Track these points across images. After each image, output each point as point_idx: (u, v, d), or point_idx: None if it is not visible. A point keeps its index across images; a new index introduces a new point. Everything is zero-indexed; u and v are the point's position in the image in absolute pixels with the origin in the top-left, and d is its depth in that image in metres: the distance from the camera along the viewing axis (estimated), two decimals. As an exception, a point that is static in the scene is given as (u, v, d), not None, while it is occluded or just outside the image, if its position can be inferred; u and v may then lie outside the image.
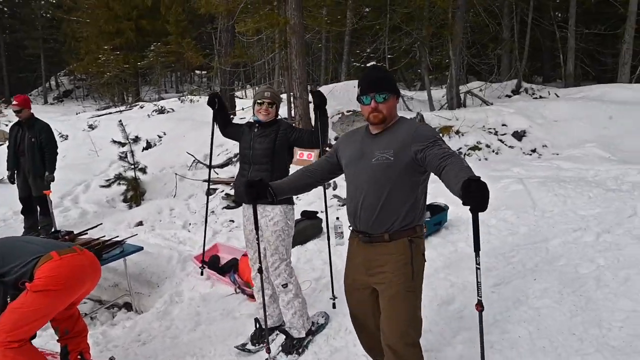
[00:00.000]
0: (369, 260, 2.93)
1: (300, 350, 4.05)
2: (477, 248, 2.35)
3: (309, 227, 6.35)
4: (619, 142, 8.56)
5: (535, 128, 9.42)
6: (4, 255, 3.31)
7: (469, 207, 2.13)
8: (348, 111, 10.69)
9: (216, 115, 4.49)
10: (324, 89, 11.67)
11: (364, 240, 2.94)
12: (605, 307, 3.91)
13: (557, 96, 13.05)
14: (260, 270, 3.61)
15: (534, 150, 8.93)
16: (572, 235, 5.09)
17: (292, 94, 10.01)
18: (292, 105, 10.15)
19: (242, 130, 4.27)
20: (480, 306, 2.47)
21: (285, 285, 4.02)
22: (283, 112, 10.33)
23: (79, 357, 3.80)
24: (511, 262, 4.76)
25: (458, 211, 6.00)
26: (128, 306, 5.50)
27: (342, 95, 13.66)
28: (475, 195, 2.07)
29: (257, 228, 3.30)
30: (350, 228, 3.09)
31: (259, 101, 4.06)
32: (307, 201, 7.61)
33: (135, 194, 9.17)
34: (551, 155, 8.47)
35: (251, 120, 4.27)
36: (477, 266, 2.40)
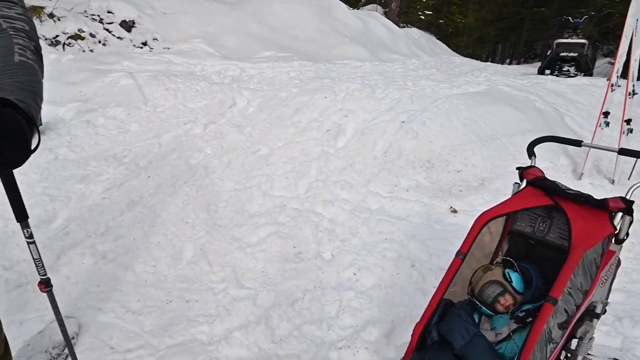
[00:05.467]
0: None
1: None
2: (20, 218, 1.75)
3: None
4: (221, 39, 9.27)
5: (145, 19, 8.89)
6: None
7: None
8: None
9: None
10: None
11: None
12: (213, 191, 4.22)
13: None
14: None
15: (145, 43, 8.48)
16: (183, 128, 5.16)
17: None
18: None
19: None
20: (45, 285, 1.98)
21: None
22: None
23: None
24: (123, 162, 4.39)
25: (57, 111, 4.99)
26: None
27: None
28: None
29: None
30: None
31: None
32: None
33: None
34: (162, 49, 8.29)
35: None
36: (29, 240, 1.82)
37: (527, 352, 1.75)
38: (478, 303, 2.12)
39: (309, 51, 10.04)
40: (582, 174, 4.83)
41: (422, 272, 3.28)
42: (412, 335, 2.11)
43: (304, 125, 5.13)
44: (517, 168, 2.36)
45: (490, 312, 2.09)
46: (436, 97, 5.71)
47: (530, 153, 2.46)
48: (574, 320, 1.91)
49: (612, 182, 4.83)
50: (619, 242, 2.00)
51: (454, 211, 4.08)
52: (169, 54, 7.86)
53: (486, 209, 2.13)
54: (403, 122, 5.14)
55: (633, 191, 1.97)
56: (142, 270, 3.24)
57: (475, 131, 5.14)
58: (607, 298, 2.12)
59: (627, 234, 1.98)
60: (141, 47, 8.30)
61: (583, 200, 2.02)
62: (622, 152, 2.19)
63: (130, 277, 3.18)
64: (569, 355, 2.12)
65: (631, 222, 1.96)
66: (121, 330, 2.75)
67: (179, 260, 3.39)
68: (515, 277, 2.10)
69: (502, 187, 4.31)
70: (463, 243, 2.18)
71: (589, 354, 2.12)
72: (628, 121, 4.87)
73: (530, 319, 2.01)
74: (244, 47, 9.12)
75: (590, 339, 2.05)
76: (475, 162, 4.74)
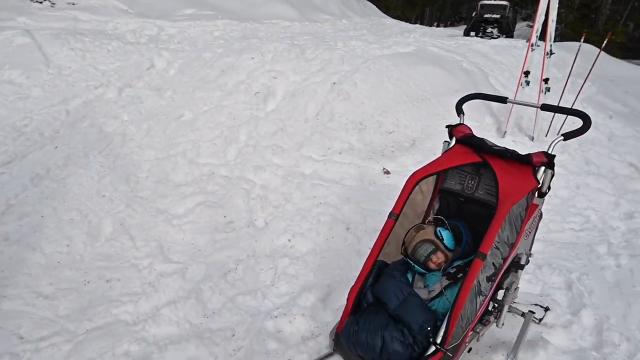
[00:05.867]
0: None
1: None
2: None
3: None
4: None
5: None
6: None
7: None
8: None
9: None
10: None
11: None
12: (132, 161, 3.88)
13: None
14: None
15: (46, -2, 7.50)
16: (94, 92, 4.66)
17: None
18: None
19: None
20: None
21: None
22: None
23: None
24: (24, 132, 3.88)
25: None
26: None
27: None
28: None
29: None
30: None
31: None
32: None
33: None
34: (66, 5, 7.39)
35: None
36: None
37: (459, 306, 1.77)
38: (411, 262, 2.12)
39: (235, 9, 9.48)
40: (505, 132, 5.05)
41: (357, 234, 3.27)
42: (347, 299, 2.08)
43: (231, 87, 4.84)
44: (447, 126, 2.35)
45: (424, 271, 2.10)
46: (367, 58, 5.62)
47: (459, 111, 2.45)
48: (501, 273, 1.96)
49: (532, 139, 5.11)
50: (542, 195, 2.05)
51: (387, 172, 4.09)
52: (74, 10, 7.03)
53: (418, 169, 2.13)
54: (334, 83, 5.02)
55: (554, 146, 2.01)
56: (54, 251, 2.92)
57: (406, 92, 5.16)
58: (530, 249, 2.20)
59: (549, 187, 2.04)
60: (40, 2, 7.34)
61: (509, 156, 2.04)
62: (544, 107, 2.23)
63: (40, 259, 2.85)
64: (496, 305, 2.20)
65: (552, 176, 2.01)
66: (31, 318, 2.47)
67: (96, 237, 3.10)
68: (446, 235, 2.11)
69: (433, 147, 4.38)
70: (395, 204, 2.14)
71: (514, 303, 2.22)
72: (546, 80, 5.11)
73: (461, 274, 2.04)
74: (163, 4, 8.39)
75: (515, 289, 2.14)
76: (406, 122, 4.77)
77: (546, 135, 5.29)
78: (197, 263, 2.92)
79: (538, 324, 2.28)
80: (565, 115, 5.32)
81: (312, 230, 3.27)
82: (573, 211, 3.95)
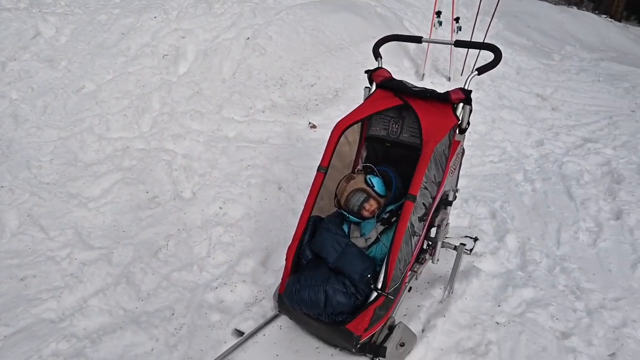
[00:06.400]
0: None
1: None
2: None
3: None
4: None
5: None
6: None
7: None
8: None
9: None
10: None
11: None
12: (31, 144, 3.46)
13: None
14: None
15: None
16: (-29, 70, 4.03)
17: None
18: None
19: None
20: None
21: None
22: None
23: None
24: None
25: None
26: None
27: None
28: None
29: None
30: None
31: None
32: None
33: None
34: None
35: None
36: None
37: (395, 250, 1.79)
38: (345, 213, 2.11)
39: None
40: (423, 74, 5.14)
41: (290, 192, 3.21)
42: (285, 259, 2.03)
43: (135, 52, 4.41)
44: (366, 71, 2.29)
45: (358, 220, 2.10)
46: (280, 9, 5.35)
47: (377, 54, 2.40)
48: (432, 211, 2.01)
49: (449, 79, 5.25)
50: (462, 131, 2.10)
51: (313, 126, 4.02)
52: None
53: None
54: (248, 38, 4.75)
55: (469, 81, 2.04)
56: (-50, 256, 2.57)
57: (323, 42, 5.03)
58: (456, 185, 2.27)
59: (469, 123, 2.09)
60: None
61: (429, 95, 2.04)
62: (457, 44, 2.24)
63: None
64: (429, 243, 2.28)
65: (471, 111, 2.05)
66: None
67: (0, 233, 2.76)
68: (376, 182, 2.11)
69: (357, 97, 4.35)
70: (323, 157, 2.09)
71: (446, 238, 2.31)
72: (457, 19, 5.21)
73: (395, 218, 2.07)
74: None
75: (446, 225, 2.21)
76: (327, 74, 4.68)
77: (461, 74, 5.47)
78: (122, 245, 2.71)
79: (469, 254, 2.41)
80: (477, 54, 5.51)
81: (243, 195, 3.15)
82: (491, 144, 4.17)
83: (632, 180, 3.53)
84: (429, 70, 5.25)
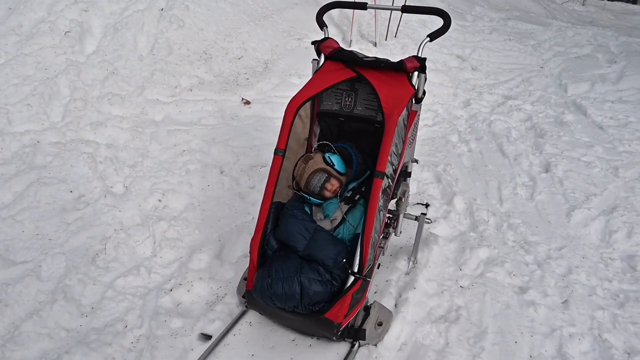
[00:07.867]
0: None
1: None
2: None
3: None
4: None
5: None
6: None
7: None
8: None
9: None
10: None
11: None
12: None
13: None
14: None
15: None
16: None
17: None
18: None
19: None
20: None
21: None
22: None
23: None
24: None
25: None
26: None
27: None
28: None
29: None
30: None
31: None
32: None
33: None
34: None
35: None
36: None
37: (369, 230, 1.73)
38: (306, 196, 2.00)
39: None
40: (350, 40, 5.06)
41: (234, 175, 3.02)
42: (250, 252, 1.90)
43: (29, 29, 3.79)
44: (312, 42, 2.15)
45: (320, 201, 2.00)
46: (192, -25, 4.91)
47: (321, 23, 2.26)
48: (394, 184, 1.97)
49: (375, 44, 5.23)
50: (419, 100, 2.06)
51: (247, 102, 3.80)
52: None
53: (279, 93, 1.94)
54: (162, 9, 4.31)
55: (422, 48, 1.99)
56: None
57: (245, 10, 4.72)
58: (413, 155, 2.26)
59: (424, 92, 2.05)
60: None
61: (383, 66, 1.96)
62: (405, 9, 2.17)
63: None
64: (391, 216, 2.26)
65: (426, 79, 2.01)
66: None
67: None
68: (336, 160, 2.02)
69: (287, 68, 4.17)
70: (279, 138, 1.94)
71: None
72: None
73: (358, 196, 2.01)
74: None
75: (407, 196, 2.20)
76: (253, 45, 4.42)
77: (386, 39, 5.48)
78: (51, 256, 2.37)
79: (430, 223, 2.43)
80: (399, 19, 5.53)
81: (183, 183, 2.91)
82: (424, 108, 4.25)
83: (553, 133, 3.80)
84: (355, 37, 5.18)
